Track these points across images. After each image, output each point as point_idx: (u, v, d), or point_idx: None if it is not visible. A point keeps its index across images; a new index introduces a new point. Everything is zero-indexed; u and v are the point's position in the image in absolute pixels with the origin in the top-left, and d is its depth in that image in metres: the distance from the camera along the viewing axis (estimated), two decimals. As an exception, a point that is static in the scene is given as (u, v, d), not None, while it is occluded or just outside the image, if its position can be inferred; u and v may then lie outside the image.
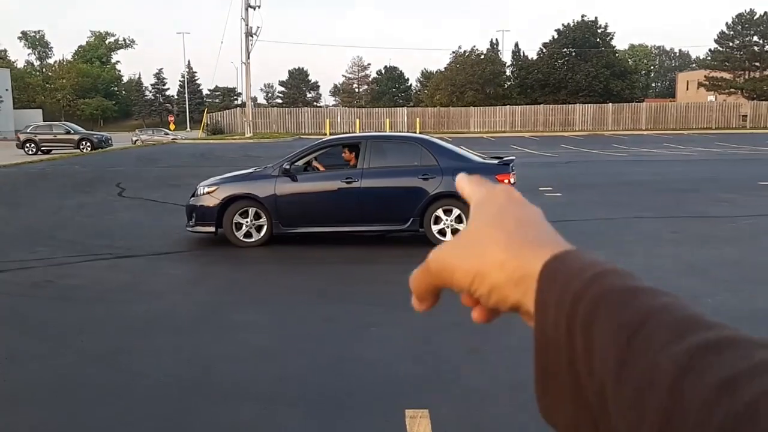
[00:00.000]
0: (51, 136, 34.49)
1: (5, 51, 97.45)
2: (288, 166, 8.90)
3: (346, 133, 50.97)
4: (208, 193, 9.07)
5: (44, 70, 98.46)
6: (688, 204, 12.51)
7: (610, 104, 54.30)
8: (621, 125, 52.76)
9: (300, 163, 9.14)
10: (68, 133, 35.12)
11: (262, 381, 4.42)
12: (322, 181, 9.07)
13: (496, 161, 9.32)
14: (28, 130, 35.32)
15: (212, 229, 9.01)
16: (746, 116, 51.80)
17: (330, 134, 49.57)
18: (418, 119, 52.04)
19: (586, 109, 53.77)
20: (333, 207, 8.90)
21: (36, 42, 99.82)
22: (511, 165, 9.03)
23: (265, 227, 8.89)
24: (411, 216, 8.70)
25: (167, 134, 48.04)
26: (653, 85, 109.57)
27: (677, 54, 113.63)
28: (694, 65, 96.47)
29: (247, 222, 8.89)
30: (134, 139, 46.07)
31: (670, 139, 38.75)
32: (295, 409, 3.97)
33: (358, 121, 52.13)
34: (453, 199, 8.62)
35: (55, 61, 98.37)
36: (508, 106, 55.57)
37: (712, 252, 8.40)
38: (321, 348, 5.09)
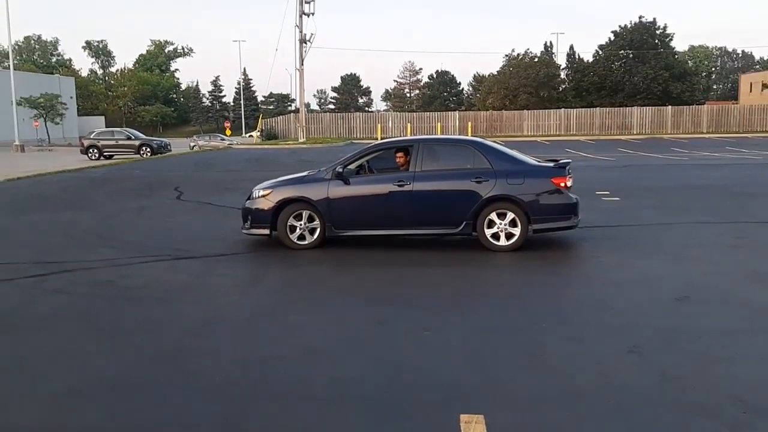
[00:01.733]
0: (113, 142, 35.61)
1: (70, 60, 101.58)
2: (341, 170, 8.94)
3: (398, 137, 51.05)
4: (263, 196, 9.18)
5: (107, 78, 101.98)
6: (753, 210, 12.01)
7: (669, 107, 52.75)
8: (681, 128, 51.19)
9: (353, 166, 9.16)
10: (129, 138, 36.19)
11: (317, 383, 4.42)
12: (374, 184, 9.05)
13: (551, 164, 9.12)
14: (91, 136, 36.56)
15: (267, 231, 9.14)
16: (815, 119, 49.52)
17: (381, 138, 49.84)
18: (470, 123, 51.67)
19: (644, 112, 52.39)
20: (385, 210, 8.87)
21: (99, 51, 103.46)
22: (567, 168, 8.83)
23: (318, 230, 8.95)
24: (464, 219, 8.59)
25: (223, 140, 49.02)
26: (714, 87, 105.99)
27: (740, 55, 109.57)
28: (758, 66, 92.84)
29: (300, 225, 8.97)
30: (192, 144, 47.18)
31: (732, 142, 37.35)
32: (349, 413, 3.95)
33: (409, 125, 52.14)
34: (507, 202, 8.50)
35: (117, 70, 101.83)
36: (562, 109, 54.65)
37: (779, 259, 8.03)
38: (374, 351, 5.07)
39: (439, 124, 52.45)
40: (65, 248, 9.50)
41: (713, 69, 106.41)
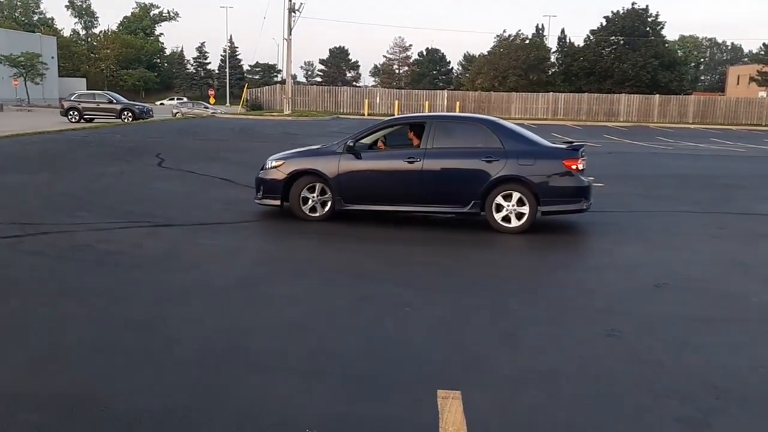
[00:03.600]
0: (94, 105, 35.01)
1: (52, 19, 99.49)
2: (352, 144, 8.89)
3: (385, 113, 50.74)
4: (276, 167, 9.17)
5: (89, 39, 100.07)
6: (735, 200, 12.12)
7: (657, 96, 52.98)
8: (667, 117, 51.47)
9: (365, 141, 9.11)
10: (111, 102, 35.60)
11: (296, 354, 4.39)
12: (385, 160, 9.01)
13: (564, 146, 9.04)
14: (72, 98, 35.91)
15: (278, 202, 9.16)
16: (798, 114, 50.07)
17: (368, 114, 49.49)
18: (458, 103, 51.51)
19: (632, 100, 52.56)
20: (394, 186, 8.82)
21: (83, 11, 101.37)
22: (580, 150, 8.69)
23: (330, 203, 8.94)
24: (473, 199, 8.50)
25: (207, 108, 48.41)
26: (702, 77, 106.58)
27: (729, 47, 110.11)
28: (746, 59, 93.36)
29: (313, 197, 8.97)
30: (174, 111, 46.52)
31: (717, 133, 37.66)
32: (328, 385, 3.93)
33: (397, 102, 51.83)
34: (517, 183, 8.41)
35: (101, 31, 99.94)
36: (551, 93, 54.61)
37: (758, 250, 8.11)
38: (355, 325, 5.04)
39: (427, 102, 52.20)
40: (43, 210, 9.33)
41: (702, 60, 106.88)
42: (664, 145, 27.96)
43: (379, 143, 9.28)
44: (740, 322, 5.36)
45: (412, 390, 3.82)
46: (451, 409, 3.57)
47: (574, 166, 8.47)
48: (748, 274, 7.00)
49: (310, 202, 8.99)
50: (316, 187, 8.97)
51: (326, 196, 8.97)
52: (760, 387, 4.08)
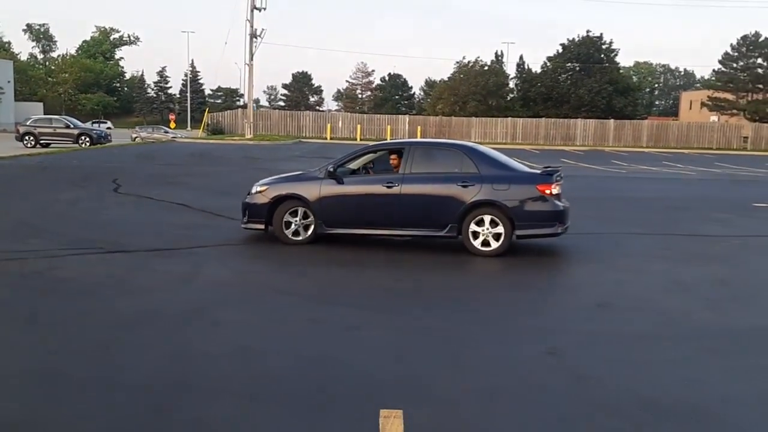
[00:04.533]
0: (50, 130, 34.45)
1: (9, 43, 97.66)
2: (332, 169, 9.09)
3: (347, 137, 51.05)
4: (260, 192, 9.36)
5: (47, 63, 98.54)
6: (682, 222, 12.56)
7: (612, 120, 54.41)
8: (622, 141, 52.82)
9: (346, 166, 9.32)
10: (68, 127, 35.08)
11: (243, 379, 4.45)
12: (364, 185, 9.20)
13: (539, 171, 9.24)
14: (27, 123, 35.27)
15: (262, 226, 9.32)
16: (747, 138, 51.94)
17: (330, 138, 49.73)
18: (419, 127, 52.06)
19: (588, 125, 53.86)
20: (373, 210, 8.99)
21: (40, 35, 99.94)
22: (555, 175, 8.91)
23: (312, 227, 9.10)
24: (449, 222, 8.67)
25: (167, 132, 48.05)
26: (657, 102, 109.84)
27: (682, 73, 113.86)
28: (698, 85, 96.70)
29: (296, 221, 9.14)
30: (134, 136, 46.06)
31: (669, 157, 38.82)
32: (274, 408, 4.00)
33: (359, 126, 52.16)
34: (492, 207, 8.58)
35: (59, 55, 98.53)
36: (509, 117, 55.66)
37: (700, 270, 8.45)
38: (303, 348, 5.12)
39: (389, 126, 52.65)
40: (-7, 237, 9.19)
41: (656, 85, 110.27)
42: (618, 168, 28.72)
43: (362, 169, 9.49)
44: (674, 339, 5.60)
45: (355, 410, 3.92)
46: (392, 427, 3.68)
47: (548, 191, 8.65)
48: (689, 294, 7.29)
49: (293, 226, 9.14)
50: (299, 212, 9.14)
51: (309, 220, 9.13)
52: (686, 400, 4.28)
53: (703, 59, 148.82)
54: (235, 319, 5.82)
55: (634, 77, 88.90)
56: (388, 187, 8.85)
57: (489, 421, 3.88)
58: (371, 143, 10.36)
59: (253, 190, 9.50)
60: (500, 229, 8.56)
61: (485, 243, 8.63)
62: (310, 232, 9.13)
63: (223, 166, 22.64)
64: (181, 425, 3.73)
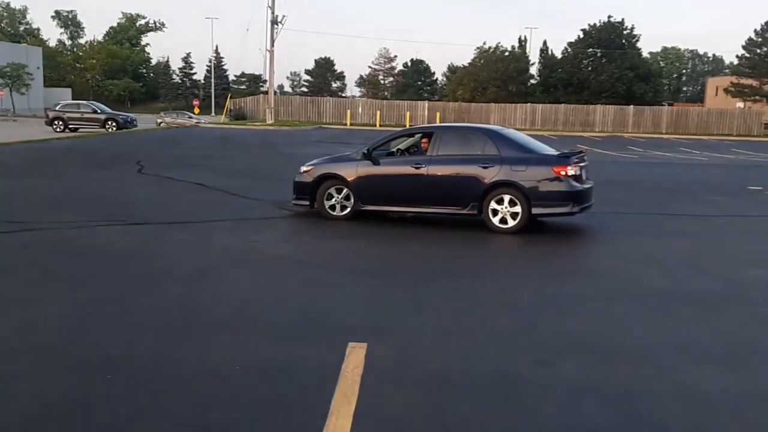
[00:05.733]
0: (78, 115, 35.70)
1: (38, 29, 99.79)
2: (366, 151, 9.97)
3: (367, 123, 51.77)
4: (306, 172, 10.35)
5: (75, 49, 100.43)
6: (673, 203, 13.13)
7: (631, 106, 54.41)
8: (641, 128, 52.85)
9: (380, 148, 10.16)
10: (95, 112, 36.32)
11: (239, 321, 5.29)
12: (395, 166, 9.96)
13: (557, 153, 9.72)
14: (56, 108, 36.58)
15: (307, 202, 10.28)
16: (768, 124, 51.64)
17: (350, 124, 50.48)
18: (438, 113, 52.62)
19: (607, 110, 53.95)
20: (402, 189, 9.76)
21: (68, 21, 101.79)
22: (572, 157, 9.38)
23: (351, 204, 10.00)
24: (471, 201, 9.31)
25: (191, 118, 49.20)
26: (684, 89, 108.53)
27: (710, 58, 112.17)
28: (726, 70, 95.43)
29: (336, 198, 10.06)
30: (159, 121, 47.28)
31: (687, 143, 38.90)
32: (263, 341, 4.82)
33: (378, 112, 52.86)
34: (510, 187, 9.14)
35: (86, 42, 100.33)
36: (528, 103, 55.92)
37: (672, 244, 9.08)
38: (291, 300, 5.94)
39: (408, 112, 53.26)
40: (28, 212, 10.15)
41: (684, 71, 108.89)
42: (632, 154, 29.08)
43: (397, 151, 10.28)
44: (622, 299, 6.31)
45: (328, 343, 4.73)
46: (355, 354, 4.48)
47: (563, 172, 9.09)
48: (651, 264, 7.94)
49: (333, 202, 10.07)
50: (339, 190, 10.05)
51: (347, 197, 10.03)
52: (612, 343, 5.01)
53: (731, 44, 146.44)
54: (236, 278, 6.66)
55: (661, 63, 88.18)
56: (416, 168, 9.62)
57: (436, 352, 4.67)
58: (398, 129, 11.12)
59: (300, 171, 10.45)
60: (518, 208, 9.10)
61: (503, 221, 9.19)
62: (348, 208, 10.01)
63: (241, 151, 23.56)
64: (188, 351, 4.56)
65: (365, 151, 10.01)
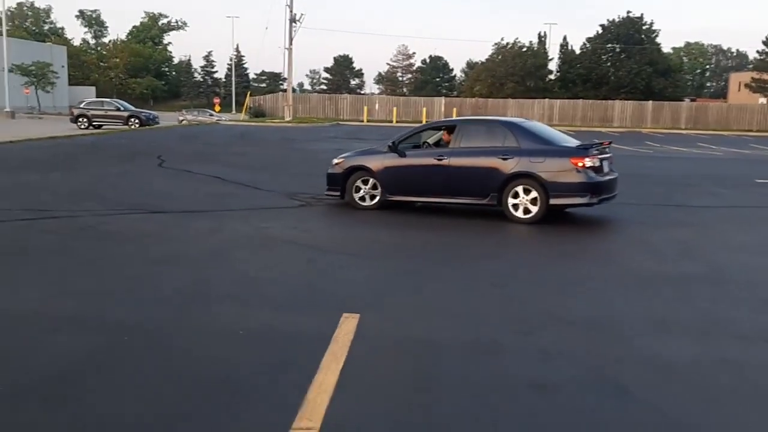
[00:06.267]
0: (102, 112, 36.62)
1: (63, 29, 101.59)
2: (391, 144, 10.45)
3: (384, 120, 52.17)
4: (337, 164, 10.91)
5: (99, 48, 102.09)
6: (677, 195, 13.37)
7: (650, 102, 54.13)
8: (660, 123, 52.56)
9: (404, 141, 10.60)
10: (118, 110, 37.22)
11: (245, 295, 5.76)
12: (419, 158, 10.32)
13: (576, 145, 9.82)
14: (81, 106, 37.56)
15: (338, 193, 10.80)
16: (788, 120, 51.11)
17: (367, 121, 50.92)
18: (455, 109, 52.82)
19: (626, 106, 53.74)
20: (425, 180, 10.15)
21: (92, 21, 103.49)
22: (591, 149, 9.49)
23: (378, 194, 10.47)
24: (491, 192, 9.59)
25: (212, 115, 50.02)
26: (708, 84, 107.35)
27: (734, 54, 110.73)
28: (750, 66, 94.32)
29: (364, 189, 10.56)
30: (180, 118, 48.17)
31: (706, 139, 38.74)
32: (265, 311, 5.29)
33: (395, 109, 53.19)
34: (528, 178, 9.36)
35: (110, 41, 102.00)
36: (546, 99, 55.90)
37: (668, 233, 9.39)
38: (295, 279, 6.40)
39: (424, 109, 53.51)
40: (53, 201, 10.74)
41: (708, 66, 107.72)
42: (647, 149, 29.11)
43: (422, 144, 10.63)
44: (606, 279, 6.68)
45: (324, 314, 5.17)
46: (348, 323, 4.92)
47: (580, 164, 9.21)
48: (643, 249, 8.28)
49: (362, 192, 10.56)
50: (366, 181, 10.52)
51: (375, 188, 10.50)
52: (587, 316, 5.39)
53: (755, 40, 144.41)
54: (246, 260, 7.14)
55: (684, 58, 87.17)
56: (438, 159, 10.01)
57: (424, 324, 5.09)
58: (421, 123, 11.54)
59: (333, 163, 10.98)
60: (536, 198, 9.32)
61: (523, 211, 9.41)
62: (376, 199, 10.48)
63: (259, 147, 24.11)
64: (198, 319, 5.03)
65: (390, 144, 10.46)
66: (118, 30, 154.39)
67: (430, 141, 10.70)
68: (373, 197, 10.53)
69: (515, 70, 63.36)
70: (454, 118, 10.53)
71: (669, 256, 7.93)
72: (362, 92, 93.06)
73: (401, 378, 4.10)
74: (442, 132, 10.78)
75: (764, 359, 4.58)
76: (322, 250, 7.75)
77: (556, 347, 4.67)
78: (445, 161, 9.95)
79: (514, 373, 4.21)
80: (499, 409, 3.72)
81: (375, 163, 10.49)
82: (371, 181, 10.51)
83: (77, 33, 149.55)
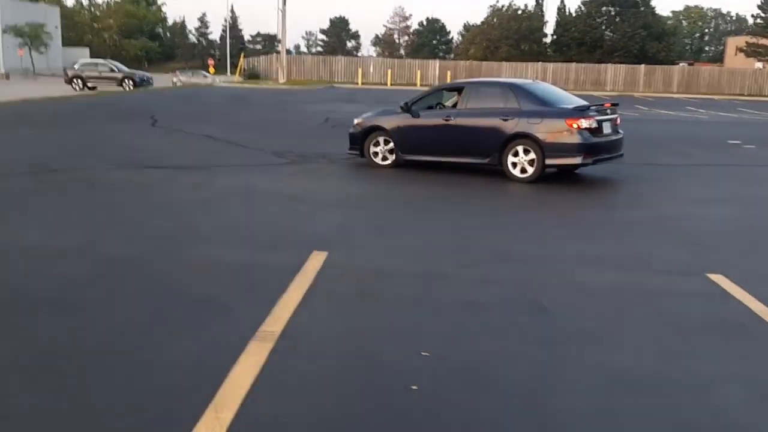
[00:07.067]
0: (96, 74, 36.85)
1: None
2: (403, 105, 10.95)
3: (378, 82, 52.42)
4: (357, 124, 11.44)
5: (92, 9, 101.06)
6: (647, 154, 14.00)
7: (642, 66, 54.45)
8: (652, 87, 52.99)
9: (417, 103, 10.99)
10: (112, 71, 37.44)
11: (228, 235, 6.46)
12: (428, 118, 10.75)
13: (574, 106, 9.98)
14: (75, 67, 37.77)
15: (358, 152, 11.35)
16: (780, 84, 51.54)
17: (362, 83, 51.17)
18: (449, 72, 53.08)
19: (618, 70, 54.06)
20: (433, 140, 10.62)
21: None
22: (588, 110, 9.75)
23: (394, 153, 11.03)
24: (492, 152, 9.97)
25: (206, 77, 50.13)
26: (707, 48, 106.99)
27: (734, 18, 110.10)
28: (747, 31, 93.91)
29: (380, 148, 11.10)
30: (174, 80, 48.30)
31: (696, 103, 39.22)
32: (243, 249, 6.00)
33: (390, 71, 53.45)
34: (527, 138, 9.68)
35: (104, 1, 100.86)
36: (540, 62, 56.10)
37: (625, 187, 10.10)
38: (275, 223, 7.11)
39: (419, 71, 53.79)
40: (51, 156, 11.36)
41: (707, 30, 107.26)
42: (635, 112, 29.56)
43: (435, 105, 11.12)
44: (556, 227, 7.41)
45: (296, 251, 5.86)
46: (317, 258, 5.63)
47: (575, 125, 9.44)
48: (593, 199, 9.02)
49: (378, 150, 11.11)
50: (382, 141, 11.06)
51: (390, 147, 11.03)
52: (525, 252, 6.10)
53: (754, 4, 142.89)
54: (231, 208, 7.83)
55: (684, 22, 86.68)
56: (446, 120, 10.51)
57: (384, 258, 5.81)
58: (439, 84, 11.85)
59: (354, 122, 11.50)
60: (533, 158, 9.65)
61: (521, 170, 9.77)
62: (392, 158, 11.02)
63: (251, 108, 24.61)
64: (184, 254, 5.74)
65: (403, 105, 10.93)
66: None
67: (449, 103, 11.12)
68: (389, 156, 11.05)
69: (510, 34, 63.38)
70: (465, 80, 10.83)
71: (621, 206, 8.65)
72: (359, 55, 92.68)
73: (355, 298, 4.82)
74: (451, 93, 11.25)
75: (674, 287, 5.31)
76: (303, 201, 8.43)
77: (492, 277, 5.40)
78: (452, 121, 10.41)
79: (451, 295, 4.94)
80: (433, 320, 4.44)
81: (390, 123, 10.99)
82: (385, 140, 11.02)
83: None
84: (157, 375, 3.52)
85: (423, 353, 3.84)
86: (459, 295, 4.95)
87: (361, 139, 11.23)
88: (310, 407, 3.22)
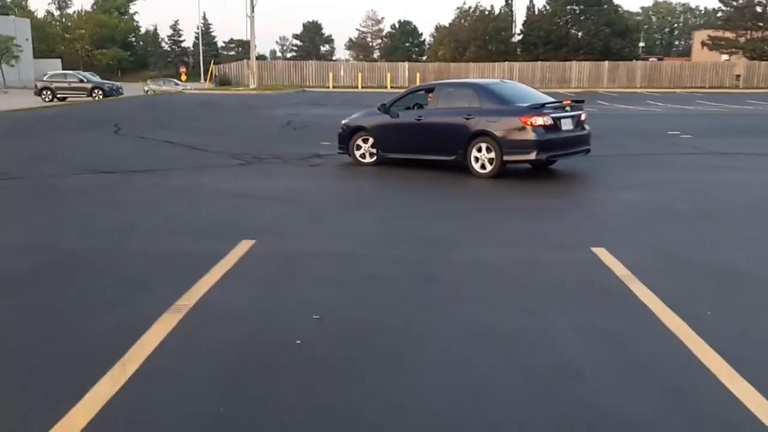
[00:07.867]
0: (66, 85, 37.16)
1: (26, 1, 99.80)
2: (382, 105, 11.62)
3: (349, 86, 53.03)
4: (344, 124, 12.15)
5: (64, 20, 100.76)
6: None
7: (606, 62, 55.61)
8: (616, 83, 54.08)
9: (399, 103, 11.61)
10: (81, 81, 37.76)
11: (170, 228, 7.08)
12: (403, 118, 11.39)
13: (529, 105, 10.22)
14: (44, 79, 38.06)
15: (345, 151, 12.07)
16: (740, 76, 52.92)
17: (333, 87, 51.77)
18: (418, 74, 53.82)
19: (582, 67, 55.13)
20: (408, 139, 11.26)
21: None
22: (543, 108, 10.04)
23: (376, 152, 11.67)
24: (458, 149, 10.49)
25: (177, 84, 50.48)
26: (677, 43, 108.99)
27: (702, 12, 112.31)
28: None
29: (364, 147, 11.80)
30: (146, 89, 48.60)
31: (657, 96, 40.23)
32: (175, 241, 6.62)
33: (360, 74, 54.07)
34: (487, 136, 10.12)
35: (75, 12, 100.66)
36: (506, 62, 57.09)
37: (553, 177, 10.81)
38: (215, 217, 7.75)
39: (389, 74, 54.45)
40: (12, 165, 11.86)
41: (676, 25, 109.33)
42: (594, 108, 30.48)
43: (413, 106, 11.69)
44: (476, 213, 8.10)
45: (228, 240, 6.48)
46: (243, 245, 6.27)
47: (529, 122, 9.79)
48: (522, 192, 9.70)
49: (362, 150, 11.80)
50: (366, 140, 11.74)
51: (372, 146, 11.69)
52: (441, 237, 6.78)
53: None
54: (176, 205, 8.45)
55: (653, 17, 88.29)
56: (417, 120, 11.21)
57: (306, 244, 6.47)
58: (413, 86, 12.37)
59: (341, 123, 12.20)
60: (493, 155, 10.09)
61: (482, 166, 10.23)
62: (374, 156, 11.70)
63: (217, 113, 25.10)
64: (128, 245, 6.35)
65: (380, 106, 11.63)
66: (82, 1, 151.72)
67: (417, 102, 11.75)
68: (372, 155, 11.72)
69: (477, 34, 64.41)
70: (436, 81, 11.42)
71: (539, 195, 9.37)
72: (333, 59, 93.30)
73: (268, 277, 5.46)
74: (425, 94, 11.84)
75: (557, 259, 6.00)
76: (246, 197, 9.06)
77: (400, 257, 6.07)
78: (423, 121, 11.04)
79: (357, 271, 5.60)
80: (335, 292, 5.09)
81: (371, 123, 11.71)
82: (368, 139, 11.71)
83: (41, 5, 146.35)
84: (79, 338, 4.14)
85: (314, 317, 4.49)
86: (364, 270, 5.60)
87: (347, 139, 11.96)
88: (208, 362, 3.85)
